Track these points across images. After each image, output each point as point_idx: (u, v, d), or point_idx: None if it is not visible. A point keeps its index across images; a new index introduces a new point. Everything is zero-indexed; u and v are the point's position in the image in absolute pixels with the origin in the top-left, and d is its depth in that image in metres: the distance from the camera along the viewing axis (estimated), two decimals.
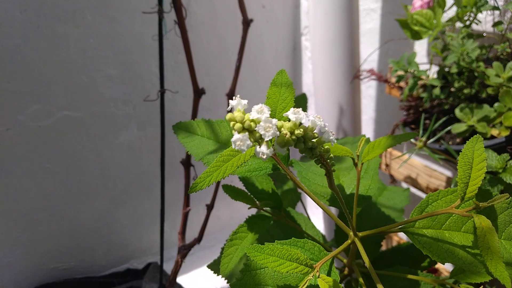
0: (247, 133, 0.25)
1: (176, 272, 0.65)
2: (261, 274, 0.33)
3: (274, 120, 0.25)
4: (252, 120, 0.25)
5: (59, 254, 0.85)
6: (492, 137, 0.52)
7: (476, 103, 0.54)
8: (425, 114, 0.58)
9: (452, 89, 0.56)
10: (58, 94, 0.74)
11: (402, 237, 0.88)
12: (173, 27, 0.52)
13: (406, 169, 0.72)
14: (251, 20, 0.55)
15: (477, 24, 0.56)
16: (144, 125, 0.84)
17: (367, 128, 0.86)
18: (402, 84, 0.62)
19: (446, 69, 0.56)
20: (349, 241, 0.36)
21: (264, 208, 0.43)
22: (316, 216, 1.03)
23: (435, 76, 0.57)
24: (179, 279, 0.90)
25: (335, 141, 0.29)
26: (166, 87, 0.85)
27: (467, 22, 0.55)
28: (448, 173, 0.68)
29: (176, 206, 0.89)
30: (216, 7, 0.83)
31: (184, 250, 0.61)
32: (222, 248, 0.53)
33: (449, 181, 0.63)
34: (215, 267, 0.54)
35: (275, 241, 0.33)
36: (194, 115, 0.55)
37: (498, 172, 0.45)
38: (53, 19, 0.69)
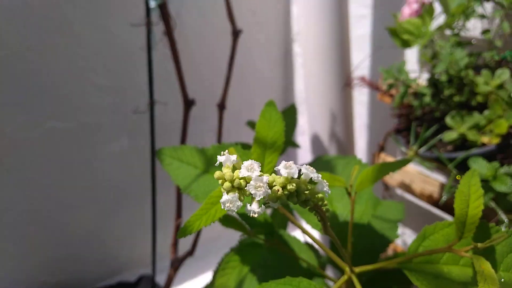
0: (236, 193, 0.24)
1: (169, 285, 0.64)
2: None
3: (265, 178, 0.24)
4: (242, 178, 0.24)
5: (49, 267, 0.83)
6: (483, 144, 0.52)
7: (466, 110, 0.54)
8: (417, 122, 0.58)
9: (443, 97, 0.56)
10: (46, 105, 0.72)
11: (398, 243, 0.88)
12: (161, 39, 0.51)
13: (400, 175, 0.72)
14: (240, 31, 0.54)
15: (465, 32, 0.56)
16: (135, 135, 0.83)
17: (360, 134, 0.86)
18: (393, 91, 0.62)
19: (437, 76, 0.57)
20: (345, 276, 0.35)
21: (255, 236, 0.42)
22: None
23: (426, 83, 0.57)
24: None
25: (329, 191, 0.28)
26: (156, 97, 0.84)
27: (456, 30, 0.55)
28: (442, 179, 0.68)
29: (168, 216, 0.88)
30: (206, 17, 0.82)
31: (177, 263, 0.60)
32: (213, 275, 0.52)
33: (442, 187, 0.63)
34: None
35: (273, 271, 0.32)
36: (185, 126, 0.55)
37: (489, 181, 0.45)
38: (40, 29, 0.68)
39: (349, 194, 0.34)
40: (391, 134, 0.57)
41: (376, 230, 0.50)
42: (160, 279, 0.83)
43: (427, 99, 0.54)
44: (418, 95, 0.57)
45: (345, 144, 0.76)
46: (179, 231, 0.29)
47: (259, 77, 0.95)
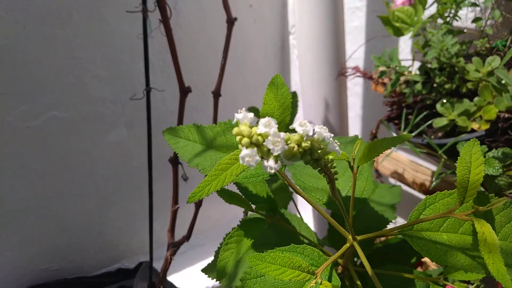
0: (255, 148, 0.24)
1: (166, 269, 0.65)
2: (261, 282, 0.33)
3: (282, 134, 0.25)
4: (260, 134, 0.25)
5: (49, 255, 0.84)
6: (473, 130, 0.53)
7: (457, 97, 0.55)
8: (408, 110, 0.59)
9: (434, 85, 0.57)
10: (45, 95, 0.73)
11: None
12: (158, 26, 0.52)
13: (393, 164, 0.73)
14: (235, 19, 0.55)
15: (457, 20, 0.57)
16: (133, 125, 0.84)
17: (354, 125, 0.87)
18: (386, 80, 0.63)
19: (428, 65, 0.57)
20: (347, 244, 0.36)
21: (258, 212, 0.43)
22: (306, 212, 1.04)
23: (418, 72, 0.58)
24: (171, 278, 0.90)
25: (340, 151, 0.29)
26: (154, 87, 0.85)
27: (448, 19, 0.56)
28: (434, 168, 0.69)
29: (166, 204, 0.89)
30: (203, 6, 0.83)
31: (174, 247, 0.62)
32: (216, 252, 0.53)
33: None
34: (209, 271, 0.54)
35: (275, 248, 0.33)
36: (181, 114, 0.56)
37: None
38: (40, 19, 0.69)
39: (351, 168, 0.35)
40: (383, 120, 0.58)
41: (375, 210, 0.51)
42: (159, 266, 0.84)
43: (419, 86, 0.55)
44: (410, 83, 0.58)
45: (339, 134, 0.77)
46: (189, 196, 0.30)
47: (256, 69, 0.96)
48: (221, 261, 0.40)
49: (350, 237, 0.36)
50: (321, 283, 0.30)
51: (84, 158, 0.81)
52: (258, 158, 0.24)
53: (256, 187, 0.46)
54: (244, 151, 0.24)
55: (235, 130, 0.25)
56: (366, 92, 0.82)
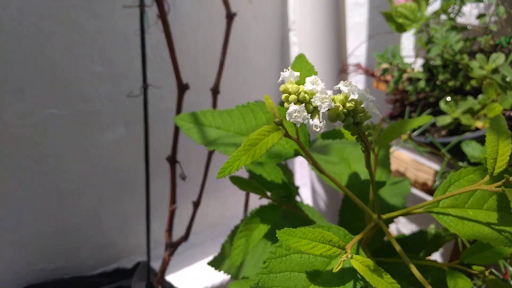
0: (303, 104, 0.24)
1: (164, 270, 0.64)
2: (287, 261, 0.33)
3: (330, 92, 0.24)
4: (306, 92, 0.24)
5: (47, 254, 0.84)
6: (477, 129, 0.52)
7: (460, 95, 0.54)
8: (411, 107, 0.58)
9: (438, 82, 0.56)
10: (42, 92, 0.72)
11: (391, 230, 0.88)
12: (156, 22, 0.51)
13: (395, 163, 0.72)
14: (235, 14, 0.54)
15: (461, 16, 0.56)
16: (131, 123, 0.83)
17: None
18: (388, 77, 0.61)
19: (432, 62, 0.56)
20: (372, 224, 0.36)
21: (273, 199, 0.42)
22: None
23: (421, 69, 0.57)
24: (170, 278, 0.90)
25: (380, 115, 0.29)
26: (152, 84, 0.84)
27: (452, 15, 0.55)
28: (436, 167, 0.68)
29: (164, 203, 0.88)
30: (203, 1, 0.82)
31: (171, 248, 0.61)
32: (223, 245, 0.52)
33: (436, 175, 0.63)
34: (216, 263, 0.53)
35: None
36: (179, 111, 0.55)
37: (482, 163, 0.45)
38: (36, 16, 0.68)
39: (372, 150, 0.35)
40: (385, 119, 0.57)
41: (388, 196, 0.50)
42: (157, 265, 0.84)
43: (422, 84, 0.54)
44: (412, 80, 0.57)
45: None
46: (219, 171, 0.29)
47: (255, 66, 0.95)
48: (236, 248, 0.39)
49: (375, 216, 0.35)
50: (351, 257, 0.31)
51: (81, 156, 0.80)
52: (305, 114, 0.24)
53: (269, 174, 0.45)
54: (292, 107, 0.24)
55: (282, 87, 0.24)
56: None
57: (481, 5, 0.61)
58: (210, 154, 0.62)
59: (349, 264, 0.31)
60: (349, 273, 0.32)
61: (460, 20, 0.59)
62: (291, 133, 0.32)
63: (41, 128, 0.74)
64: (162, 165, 0.83)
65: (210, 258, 0.57)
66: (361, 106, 0.26)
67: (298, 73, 0.26)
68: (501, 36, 0.57)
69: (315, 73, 0.33)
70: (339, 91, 0.26)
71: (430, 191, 0.63)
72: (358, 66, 0.63)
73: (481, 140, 0.51)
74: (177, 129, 0.59)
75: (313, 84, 0.24)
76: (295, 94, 0.24)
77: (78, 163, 0.80)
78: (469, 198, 0.32)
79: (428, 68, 0.56)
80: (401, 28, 0.53)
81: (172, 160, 0.60)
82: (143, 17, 0.49)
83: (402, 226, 0.86)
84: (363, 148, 0.30)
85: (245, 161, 0.29)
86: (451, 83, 0.53)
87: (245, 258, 0.48)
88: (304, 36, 0.70)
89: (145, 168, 0.59)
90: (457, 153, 0.52)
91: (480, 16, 0.55)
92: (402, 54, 0.70)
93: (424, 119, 0.38)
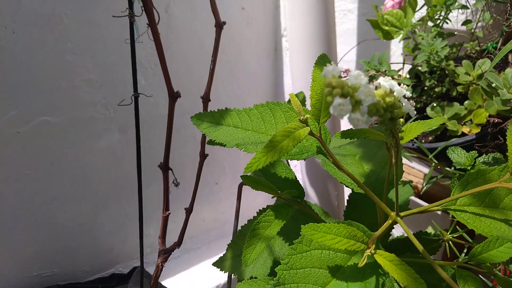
0: (348, 97, 0.25)
1: (157, 276, 0.65)
2: (307, 257, 0.33)
3: (372, 86, 0.25)
4: (350, 87, 0.25)
5: (41, 261, 0.84)
6: (463, 134, 0.53)
7: (447, 101, 0.54)
8: None
9: (425, 88, 0.56)
10: (36, 99, 0.73)
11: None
12: (146, 31, 0.51)
13: None
14: (224, 23, 0.55)
15: (447, 23, 0.57)
16: (125, 129, 0.83)
17: (346, 127, 0.87)
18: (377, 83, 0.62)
19: (419, 68, 0.57)
20: (389, 221, 0.36)
21: (284, 198, 0.43)
22: None
23: (408, 75, 0.57)
24: (165, 283, 0.90)
25: (415, 112, 0.29)
26: (147, 90, 0.84)
27: (438, 21, 0.56)
28: (426, 170, 0.69)
29: (161, 209, 0.89)
30: (196, 9, 0.83)
31: (165, 254, 0.61)
32: (230, 244, 0.52)
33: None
34: (221, 264, 0.53)
35: (298, 236, 0.33)
36: (170, 119, 0.55)
37: (467, 169, 0.46)
38: (29, 23, 0.68)
39: (388, 149, 0.36)
40: (373, 125, 0.57)
41: (392, 201, 0.51)
42: (153, 271, 0.84)
43: (409, 90, 0.55)
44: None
45: (332, 134, 0.76)
46: (246, 167, 0.30)
47: (249, 72, 0.96)
48: (248, 247, 0.39)
49: (392, 213, 0.35)
50: (375, 253, 0.31)
51: (75, 163, 0.80)
52: (350, 107, 0.25)
53: (281, 173, 0.45)
54: (337, 100, 0.24)
55: (326, 81, 0.25)
56: None
57: (468, 10, 0.62)
58: (202, 161, 0.63)
59: (370, 260, 0.32)
60: (369, 268, 0.32)
61: (447, 26, 0.59)
62: (314, 131, 0.33)
63: (35, 136, 0.74)
64: (157, 171, 0.84)
65: (205, 262, 0.57)
66: (399, 101, 0.27)
67: (341, 68, 0.26)
68: (487, 42, 0.58)
69: (339, 72, 0.34)
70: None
71: (420, 195, 0.63)
72: (347, 72, 0.64)
73: (468, 145, 0.52)
74: (169, 136, 0.59)
75: (357, 79, 0.25)
76: (340, 88, 0.24)
77: (73, 170, 0.80)
78: (486, 196, 0.33)
79: (415, 73, 0.56)
80: (388, 36, 0.54)
81: (165, 167, 0.60)
82: (133, 27, 0.49)
83: (394, 231, 0.86)
84: (392, 144, 0.30)
85: (272, 157, 0.30)
86: (438, 89, 0.54)
87: (262, 254, 0.48)
88: (295, 43, 0.70)
89: (138, 176, 0.59)
90: (445, 159, 0.52)
91: (466, 22, 0.55)
92: (392, 60, 0.71)
93: (439, 120, 0.39)
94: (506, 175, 0.31)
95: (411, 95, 0.54)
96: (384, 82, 0.26)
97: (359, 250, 0.32)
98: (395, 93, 0.26)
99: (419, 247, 0.33)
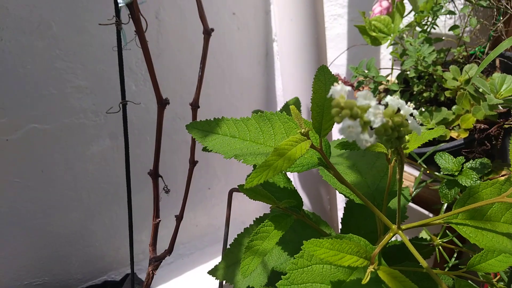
0: (358, 119, 0.24)
1: (148, 284, 0.64)
2: (309, 272, 0.33)
3: (382, 107, 0.24)
4: (358, 107, 0.24)
5: (33, 269, 0.83)
6: (452, 139, 0.53)
7: (435, 106, 0.55)
8: None
9: (413, 93, 0.56)
10: (25, 107, 0.72)
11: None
12: (133, 38, 0.51)
13: None
14: (212, 30, 0.55)
15: (435, 28, 0.57)
16: (116, 135, 0.83)
17: (336, 134, 0.87)
18: (366, 88, 0.62)
19: (408, 73, 0.57)
20: (391, 234, 0.36)
21: (283, 208, 0.42)
22: None
23: (396, 81, 0.58)
24: None
25: (421, 130, 0.29)
26: (137, 97, 0.84)
27: (425, 27, 0.56)
28: (416, 173, 0.69)
29: (151, 215, 0.88)
30: (186, 15, 0.82)
31: (155, 262, 0.61)
32: (226, 253, 0.51)
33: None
34: (216, 272, 0.52)
35: (297, 245, 0.32)
36: (159, 125, 0.55)
37: (455, 175, 0.46)
38: (17, 31, 0.68)
39: (388, 160, 0.36)
40: None
41: (391, 208, 0.50)
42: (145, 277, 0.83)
43: (397, 95, 0.55)
44: (389, 91, 0.57)
45: None
46: (247, 181, 0.29)
47: (240, 77, 0.96)
48: (246, 258, 0.39)
49: (394, 226, 0.35)
50: (378, 268, 0.30)
51: (66, 170, 0.80)
52: (359, 129, 0.24)
53: (279, 182, 0.45)
54: (346, 122, 0.24)
55: (334, 101, 0.24)
56: None
57: (457, 15, 0.62)
58: (192, 167, 0.63)
59: (372, 275, 0.32)
60: (371, 283, 0.32)
61: (434, 31, 0.60)
62: (315, 143, 0.33)
63: (25, 143, 0.74)
64: (148, 176, 0.84)
65: (198, 268, 0.56)
66: (405, 119, 0.26)
67: (349, 88, 0.26)
68: (475, 47, 0.58)
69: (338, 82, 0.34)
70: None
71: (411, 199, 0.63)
72: (337, 76, 0.64)
73: (456, 150, 0.52)
74: (158, 143, 0.59)
75: (366, 99, 0.24)
76: (348, 109, 0.24)
77: (64, 177, 0.80)
78: (488, 211, 0.33)
79: (404, 79, 0.57)
80: (376, 41, 0.54)
81: (155, 174, 0.60)
82: (120, 35, 0.49)
83: None
84: (397, 160, 0.30)
85: (274, 171, 0.29)
86: (426, 94, 0.54)
87: (261, 265, 0.48)
88: (285, 48, 0.71)
89: (126, 183, 0.59)
90: (434, 163, 0.52)
91: (453, 27, 0.56)
92: (382, 64, 0.71)
93: (438, 131, 0.39)
94: (509, 190, 0.31)
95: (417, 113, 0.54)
96: (392, 101, 0.25)
97: (362, 266, 0.31)
98: (401, 112, 0.26)
99: (422, 261, 0.33)
